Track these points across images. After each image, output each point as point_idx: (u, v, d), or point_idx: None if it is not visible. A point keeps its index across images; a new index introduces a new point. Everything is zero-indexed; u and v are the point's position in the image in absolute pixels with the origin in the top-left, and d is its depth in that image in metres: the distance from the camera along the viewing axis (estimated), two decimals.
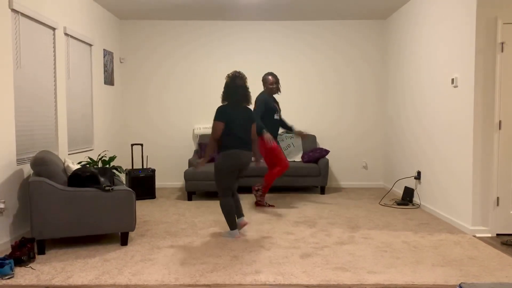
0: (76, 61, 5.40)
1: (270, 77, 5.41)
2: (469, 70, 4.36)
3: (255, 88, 7.11)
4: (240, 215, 4.34)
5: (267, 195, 6.36)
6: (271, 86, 5.42)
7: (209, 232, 4.42)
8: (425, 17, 5.45)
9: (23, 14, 4.16)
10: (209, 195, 6.38)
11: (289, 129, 5.74)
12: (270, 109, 5.36)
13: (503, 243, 4.02)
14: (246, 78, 4.24)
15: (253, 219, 4.92)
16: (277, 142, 5.43)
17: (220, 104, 4.58)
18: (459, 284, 2.47)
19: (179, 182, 7.26)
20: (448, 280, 3.11)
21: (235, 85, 4.17)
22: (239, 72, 4.23)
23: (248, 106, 4.28)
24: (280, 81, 5.63)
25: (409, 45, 6.04)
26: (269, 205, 5.57)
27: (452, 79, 4.68)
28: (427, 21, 5.39)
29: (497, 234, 4.31)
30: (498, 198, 4.31)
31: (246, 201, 5.97)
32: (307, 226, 4.62)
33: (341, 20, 7.12)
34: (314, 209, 5.46)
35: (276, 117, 5.42)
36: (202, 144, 6.71)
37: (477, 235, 4.30)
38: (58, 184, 3.72)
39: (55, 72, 4.83)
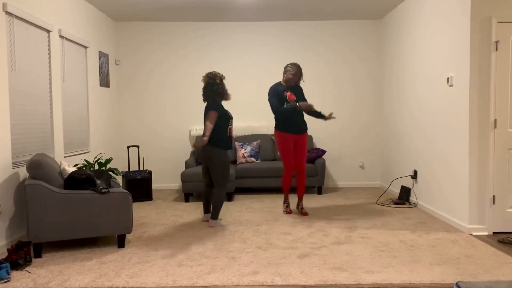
0: (71, 63, 5.39)
1: (288, 67, 5.05)
2: (464, 69, 4.37)
3: (250, 88, 7.13)
4: (206, 211, 4.97)
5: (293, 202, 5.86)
6: (285, 77, 5.07)
7: (206, 233, 4.41)
8: (420, 17, 5.47)
9: (17, 17, 4.14)
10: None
11: (320, 116, 5.15)
12: (280, 99, 5.00)
13: (499, 241, 4.03)
14: (211, 76, 4.62)
15: (251, 220, 4.92)
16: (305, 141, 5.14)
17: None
18: (456, 283, 2.47)
19: (176, 183, 7.25)
20: (445, 279, 3.12)
21: (205, 85, 4.69)
22: (209, 73, 4.68)
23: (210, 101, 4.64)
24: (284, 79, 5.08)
25: (404, 44, 6.05)
26: (286, 211, 5.23)
27: (448, 78, 4.69)
28: (422, 20, 5.40)
29: (494, 232, 4.32)
30: (494, 196, 4.32)
31: (242, 201, 5.97)
32: (304, 227, 4.62)
33: (336, 20, 7.13)
34: (312, 209, 5.46)
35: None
36: None
37: (474, 233, 4.31)
38: (54, 187, 3.70)
39: (50, 75, 4.81)
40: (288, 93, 4.99)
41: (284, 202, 5.31)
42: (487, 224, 4.32)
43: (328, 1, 5.98)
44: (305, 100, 5.16)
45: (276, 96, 5.00)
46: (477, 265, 3.40)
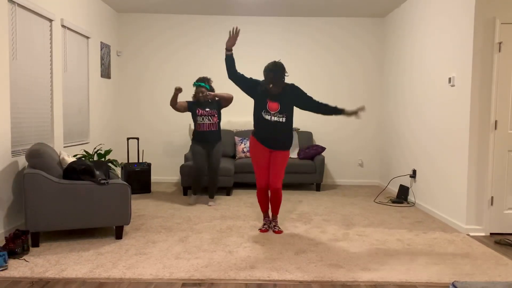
0: (73, 53, 5.37)
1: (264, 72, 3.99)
2: (466, 70, 4.37)
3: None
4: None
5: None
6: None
7: (204, 227, 4.42)
8: (424, 16, 5.45)
9: (19, 5, 4.12)
10: (205, 190, 6.35)
11: (338, 112, 4.08)
12: (256, 99, 4.07)
13: (496, 242, 4.04)
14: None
15: (248, 215, 4.93)
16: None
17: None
18: (452, 283, 2.48)
19: (175, 177, 7.25)
20: (441, 278, 3.13)
21: None
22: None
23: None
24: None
25: (407, 43, 6.04)
26: (261, 229, 4.31)
27: (450, 78, 4.68)
28: (426, 20, 5.39)
29: (491, 233, 4.34)
30: (492, 197, 4.33)
31: (240, 196, 5.98)
32: (302, 223, 4.62)
33: (340, 17, 7.11)
34: (309, 206, 5.47)
35: (267, 116, 3.98)
36: None
37: (471, 234, 4.32)
38: (53, 177, 3.70)
39: (51, 64, 4.80)
40: (270, 103, 3.99)
41: (263, 219, 4.43)
42: (484, 225, 4.33)
43: None
44: (306, 102, 4.09)
45: (251, 84, 4.08)
46: (473, 266, 3.41)
